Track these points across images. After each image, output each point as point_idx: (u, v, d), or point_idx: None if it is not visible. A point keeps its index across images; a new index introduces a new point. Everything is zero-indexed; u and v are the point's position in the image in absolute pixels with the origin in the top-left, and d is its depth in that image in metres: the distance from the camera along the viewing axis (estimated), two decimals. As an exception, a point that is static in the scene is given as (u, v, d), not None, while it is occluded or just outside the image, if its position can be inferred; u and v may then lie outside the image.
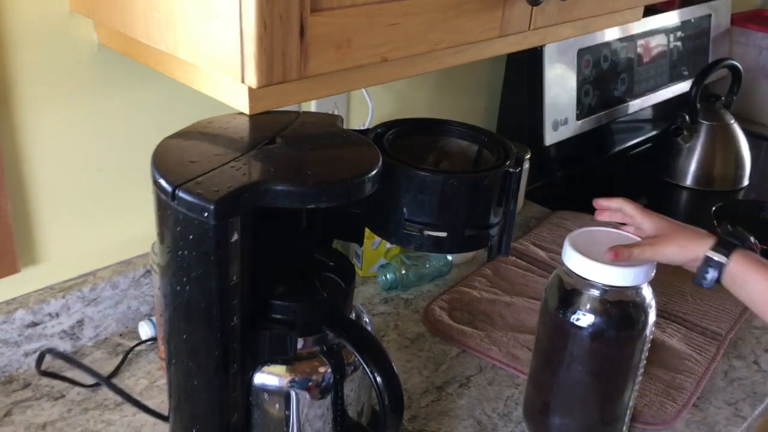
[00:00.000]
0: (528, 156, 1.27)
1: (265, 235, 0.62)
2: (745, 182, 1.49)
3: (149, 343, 0.93)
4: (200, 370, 0.60)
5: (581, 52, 1.35)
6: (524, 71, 1.32)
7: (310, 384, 0.64)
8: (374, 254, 1.10)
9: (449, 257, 1.13)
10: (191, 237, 0.54)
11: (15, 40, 0.76)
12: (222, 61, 0.61)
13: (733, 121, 1.48)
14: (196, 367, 0.60)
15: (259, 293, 0.61)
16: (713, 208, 1.32)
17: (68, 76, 0.81)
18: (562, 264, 0.77)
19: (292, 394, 0.63)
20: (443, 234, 0.67)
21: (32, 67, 0.78)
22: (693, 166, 1.48)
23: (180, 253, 0.56)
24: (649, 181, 1.53)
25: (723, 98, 1.50)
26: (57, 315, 0.88)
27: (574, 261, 0.75)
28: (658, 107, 1.62)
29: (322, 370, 0.64)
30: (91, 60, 0.82)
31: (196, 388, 0.61)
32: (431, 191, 0.66)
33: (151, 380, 0.88)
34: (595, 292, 0.75)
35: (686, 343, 0.99)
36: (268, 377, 0.63)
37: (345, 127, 1.15)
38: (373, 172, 0.58)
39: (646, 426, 0.85)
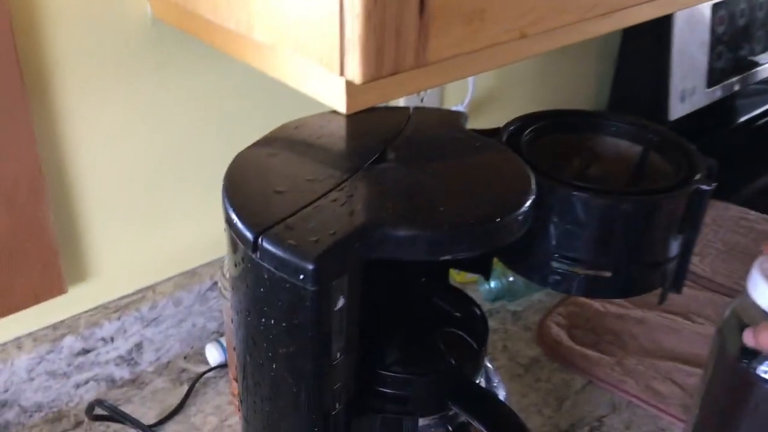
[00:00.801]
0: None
1: (373, 283, 0.46)
2: None
3: (217, 369, 0.79)
4: (290, 466, 0.45)
5: (716, 7, 1.12)
6: (647, 31, 1.10)
7: (431, 474, 0.48)
8: (475, 256, 0.93)
9: (563, 259, 0.95)
10: (280, 303, 0.39)
11: (52, 17, 0.61)
12: (313, 46, 0.44)
13: None
14: (286, 461, 0.45)
15: (366, 362, 0.46)
16: None
17: (116, 58, 0.66)
18: (746, 296, 0.59)
19: (408, 485, 0.48)
20: (606, 273, 0.50)
21: (73, 48, 0.63)
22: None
23: (263, 320, 0.40)
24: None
25: None
26: (112, 339, 0.75)
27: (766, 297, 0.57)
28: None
29: (447, 456, 0.49)
30: (143, 38, 0.67)
31: (285, 487, 0.46)
32: (592, 218, 0.48)
33: (221, 418, 0.74)
34: (796, 340, 0.57)
35: None
36: (376, 466, 0.48)
37: (442, 106, 0.98)
38: (528, 205, 0.42)
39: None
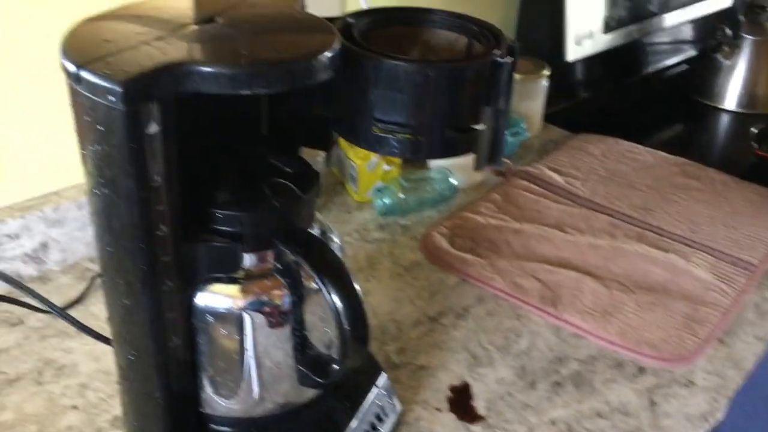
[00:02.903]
0: (547, 73, 1.16)
1: (210, 135, 0.54)
2: (792, 104, 1.35)
3: (119, 268, 0.86)
4: (129, 287, 0.52)
5: (610, -44, 1.21)
6: (546, -22, 1.19)
7: (262, 305, 0.55)
8: (371, 177, 1.01)
9: (454, 181, 1.03)
10: (100, 127, 0.46)
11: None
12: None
13: (781, 36, 1.33)
14: (125, 284, 0.52)
15: (199, 202, 0.53)
16: (755, 130, 1.19)
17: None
18: None
19: (243, 316, 0.55)
20: (419, 137, 0.57)
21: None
22: (734, 86, 1.35)
23: (92, 148, 0.47)
24: (684, 103, 1.40)
25: (771, 9, 1.35)
26: (17, 236, 0.81)
27: None
28: (696, 24, 1.47)
29: (276, 290, 0.56)
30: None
31: (127, 308, 0.53)
32: (404, 85, 0.56)
33: (117, 307, 0.81)
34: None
35: (714, 273, 0.88)
36: (214, 297, 0.55)
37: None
38: (324, 54, 0.49)
39: (663, 362, 0.76)
